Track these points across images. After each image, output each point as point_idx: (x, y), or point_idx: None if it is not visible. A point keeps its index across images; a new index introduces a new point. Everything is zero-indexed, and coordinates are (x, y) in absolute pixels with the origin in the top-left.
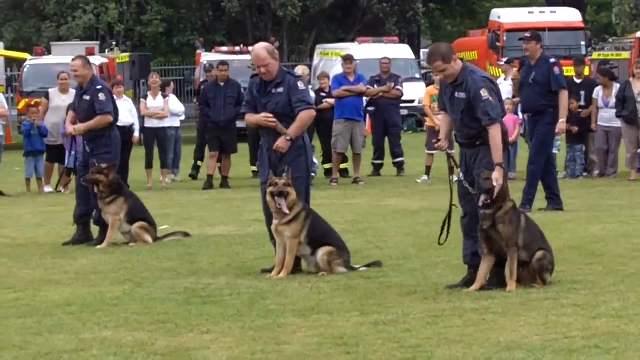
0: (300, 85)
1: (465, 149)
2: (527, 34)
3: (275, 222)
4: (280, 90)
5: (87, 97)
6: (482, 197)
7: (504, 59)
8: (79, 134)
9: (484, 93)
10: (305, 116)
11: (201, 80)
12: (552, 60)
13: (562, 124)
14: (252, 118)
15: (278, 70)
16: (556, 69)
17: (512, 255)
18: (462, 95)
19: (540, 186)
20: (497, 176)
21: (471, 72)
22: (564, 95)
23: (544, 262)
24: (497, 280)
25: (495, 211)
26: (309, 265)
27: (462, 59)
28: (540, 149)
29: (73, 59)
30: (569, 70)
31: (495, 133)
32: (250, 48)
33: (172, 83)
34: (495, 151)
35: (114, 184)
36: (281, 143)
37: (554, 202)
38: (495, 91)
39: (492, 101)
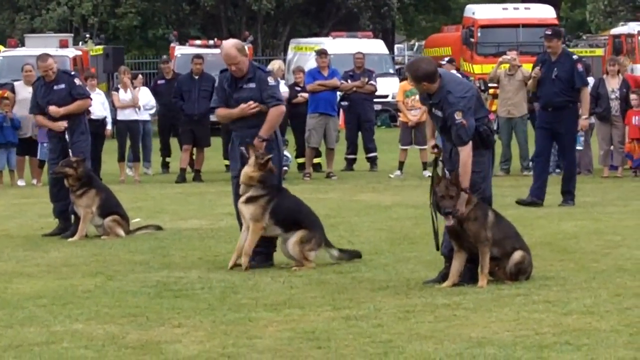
0: (270, 80)
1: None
2: (549, 31)
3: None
4: (252, 85)
5: (61, 86)
6: (447, 221)
7: (446, 59)
8: (57, 114)
9: (458, 116)
10: (275, 113)
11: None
12: (575, 56)
13: (584, 120)
14: (225, 112)
15: (248, 66)
16: (579, 66)
17: (483, 250)
18: (439, 113)
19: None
20: (461, 202)
21: (447, 92)
22: (586, 92)
23: (522, 266)
24: (469, 276)
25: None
26: (283, 250)
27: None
28: (570, 144)
29: (40, 62)
30: None
31: (465, 156)
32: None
33: (140, 75)
34: (464, 175)
35: (84, 177)
36: (256, 143)
37: (538, 194)
38: (473, 96)
39: (465, 124)
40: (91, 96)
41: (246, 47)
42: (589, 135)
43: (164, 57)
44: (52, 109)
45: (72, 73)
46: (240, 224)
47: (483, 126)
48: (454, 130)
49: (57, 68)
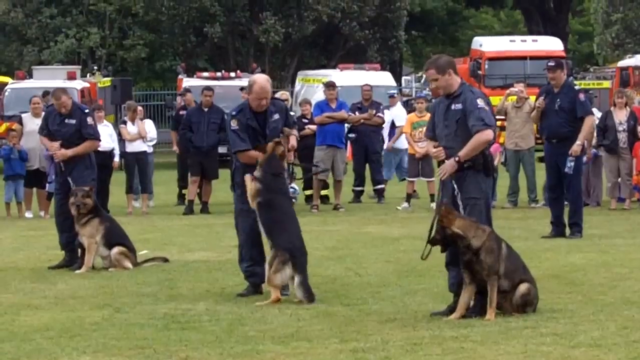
0: (291, 112)
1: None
2: (551, 63)
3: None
4: (276, 116)
5: (72, 121)
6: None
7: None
8: (65, 157)
9: (480, 102)
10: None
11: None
12: (577, 87)
13: (577, 146)
14: (256, 155)
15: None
16: (582, 96)
17: (492, 283)
18: (459, 106)
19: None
20: (446, 167)
21: (470, 86)
22: (589, 121)
23: (529, 298)
24: (478, 308)
25: (468, 246)
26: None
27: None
28: (576, 175)
29: (55, 99)
30: None
31: (484, 134)
32: (231, 74)
33: (138, 107)
34: (468, 148)
35: (92, 207)
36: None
37: (558, 229)
38: (490, 107)
39: (487, 110)
40: (100, 137)
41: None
42: (599, 168)
43: (185, 88)
44: (59, 153)
45: (86, 110)
46: (250, 253)
47: (487, 151)
48: (476, 114)
49: (73, 102)
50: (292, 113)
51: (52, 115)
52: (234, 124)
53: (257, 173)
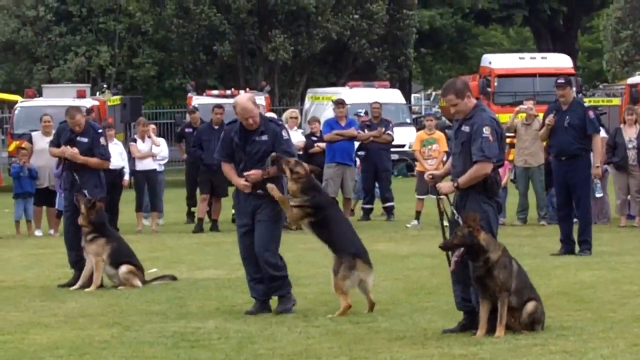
0: (285, 134)
1: (458, 190)
2: (561, 80)
3: None
4: (265, 138)
5: (84, 140)
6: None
7: (362, 112)
8: (75, 159)
9: (486, 131)
10: None
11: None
12: (586, 104)
13: (597, 169)
14: (229, 172)
15: (260, 119)
16: (591, 113)
17: (502, 300)
18: (467, 129)
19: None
20: (443, 187)
21: (482, 109)
22: (598, 139)
23: (536, 316)
24: (489, 326)
25: (486, 260)
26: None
27: (477, 98)
28: (585, 192)
29: (69, 117)
30: None
31: (481, 167)
32: (241, 92)
33: (151, 125)
34: (466, 177)
35: (97, 223)
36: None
37: (568, 246)
38: (499, 134)
39: (491, 140)
40: (111, 158)
41: (257, 100)
42: (605, 183)
43: (193, 106)
44: (73, 152)
45: (100, 130)
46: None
47: (491, 173)
48: (478, 143)
49: (86, 120)
50: (286, 137)
51: (64, 131)
52: (222, 134)
53: (292, 202)
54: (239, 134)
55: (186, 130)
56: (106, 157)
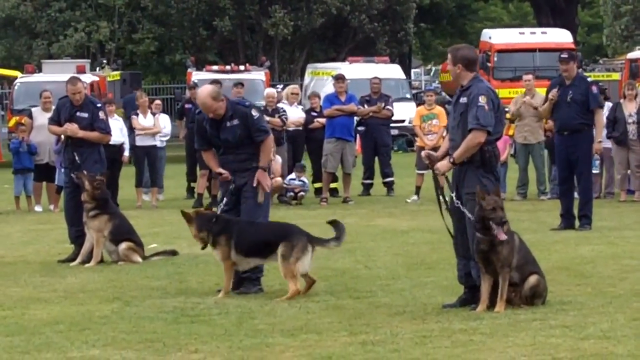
0: (254, 113)
1: (455, 165)
2: (564, 54)
3: None
4: (235, 122)
5: (84, 115)
6: (498, 230)
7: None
8: (75, 135)
9: (482, 100)
10: (269, 144)
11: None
12: (590, 79)
13: (599, 144)
14: (210, 161)
15: (226, 105)
16: (594, 88)
17: (504, 276)
18: (465, 99)
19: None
20: (441, 167)
21: (479, 80)
22: (600, 115)
23: (538, 289)
24: (489, 301)
25: (489, 234)
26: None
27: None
28: (587, 167)
29: (70, 85)
30: None
31: (475, 136)
32: (241, 67)
33: (158, 101)
34: (461, 150)
35: (100, 199)
36: (262, 178)
37: (568, 221)
38: (495, 104)
39: (486, 109)
40: (111, 132)
41: (221, 92)
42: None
43: (193, 82)
44: (73, 128)
45: (99, 105)
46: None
47: (489, 147)
48: (474, 111)
49: (85, 95)
50: (256, 115)
51: (64, 107)
52: (195, 124)
53: None
54: (209, 122)
55: (186, 106)
56: (107, 131)
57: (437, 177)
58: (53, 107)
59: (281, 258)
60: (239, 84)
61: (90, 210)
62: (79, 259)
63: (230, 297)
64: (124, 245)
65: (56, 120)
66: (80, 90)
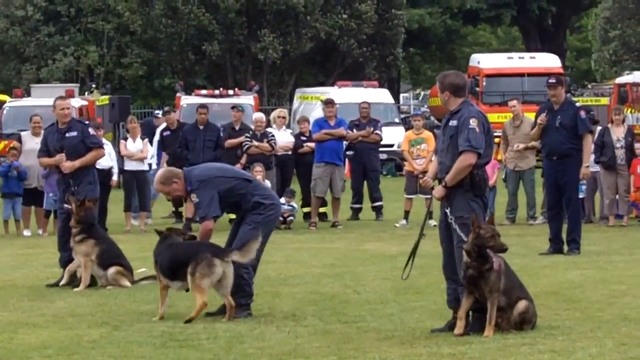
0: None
1: (446, 189)
2: (552, 79)
3: None
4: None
5: (73, 134)
6: (495, 259)
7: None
8: (72, 169)
9: (473, 122)
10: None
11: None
12: (578, 104)
13: (586, 169)
14: None
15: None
16: (582, 113)
17: (492, 300)
18: (455, 122)
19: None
20: (437, 193)
21: (469, 104)
22: (588, 139)
23: (527, 315)
24: (477, 326)
25: (482, 263)
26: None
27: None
28: (575, 192)
29: (60, 100)
30: None
31: (466, 158)
32: (229, 91)
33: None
34: (452, 173)
35: (86, 223)
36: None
37: (557, 245)
38: (485, 127)
39: (477, 132)
40: (103, 145)
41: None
42: (597, 183)
43: (166, 108)
44: (67, 165)
45: (86, 122)
46: None
47: (478, 170)
48: (465, 133)
49: (72, 116)
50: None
51: (51, 133)
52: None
53: None
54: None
55: (164, 134)
56: (100, 144)
57: (428, 202)
58: (42, 132)
59: (189, 275)
60: (236, 107)
61: (77, 235)
62: (64, 280)
63: (219, 321)
64: (112, 270)
65: (45, 151)
66: (69, 105)
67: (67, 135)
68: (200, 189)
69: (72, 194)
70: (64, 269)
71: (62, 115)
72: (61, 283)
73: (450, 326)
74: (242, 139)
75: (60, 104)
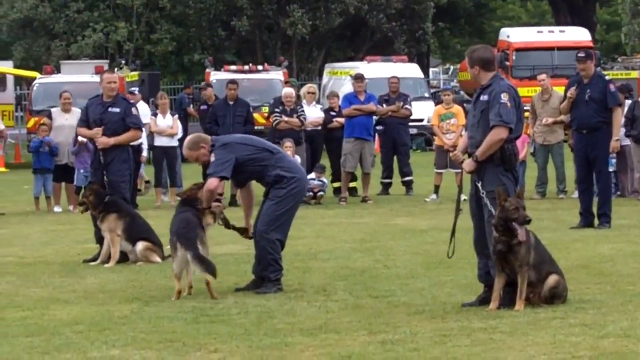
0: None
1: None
2: (581, 53)
3: None
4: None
5: (116, 110)
6: (520, 231)
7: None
8: (107, 145)
9: (504, 97)
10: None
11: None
12: (607, 77)
13: (616, 142)
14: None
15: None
16: (612, 86)
17: (522, 275)
18: (486, 97)
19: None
20: (466, 166)
21: (500, 78)
22: (618, 113)
23: (557, 290)
24: (507, 300)
25: (510, 236)
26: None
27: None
28: (605, 165)
29: (108, 73)
30: None
31: (497, 133)
32: (259, 67)
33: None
34: (484, 147)
35: (100, 203)
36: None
37: (587, 219)
38: (516, 102)
39: (509, 106)
40: (143, 127)
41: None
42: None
43: (204, 83)
44: (102, 140)
45: (132, 101)
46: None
47: (509, 145)
48: (496, 108)
49: (118, 92)
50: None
51: (93, 105)
52: None
53: None
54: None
55: (202, 107)
56: (139, 126)
57: (459, 176)
58: (73, 108)
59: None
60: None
61: (98, 215)
62: (98, 260)
63: (249, 296)
64: (141, 246)
65: (84, 121)
66: (117, 79)
67: (109, 110)
68: (220, 150)
69: (106, 169)
70: (100, 244)
71: (109, 89)
72: (94, 263)
73: (481, 300)
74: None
75: (108, 77)
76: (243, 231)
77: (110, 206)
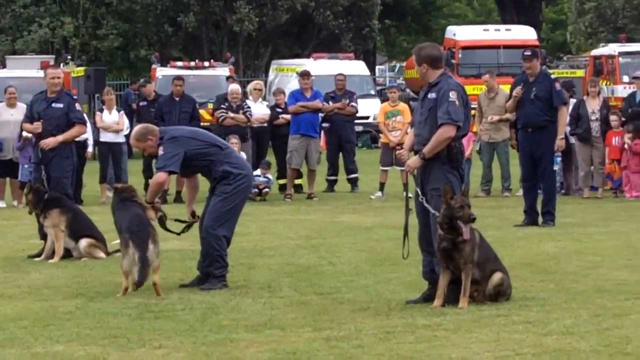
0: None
1: (424, 161)
2: (527, 52)
3: None
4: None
5: (59, 105)
6: (465, 229)
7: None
8: (56, 144)
9: (453, 95)
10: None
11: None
12: (553, 76)
13: (560, 141)
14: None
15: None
16: (557, 85)
17: (467, 272)
18: (434, 95)
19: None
20: (412, 163)
21: (448, 76)
22: (563, 111)
23: (502, 288)
24: (451, 297)
25: (455, 234)
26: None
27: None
28: (551, 164)
29: (51, 69)
30: None
31: (445, 131)
32: (205, 63)
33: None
34: (431, 145)
35: (40, 201)
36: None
37: (532, 217)
38: (464, 100)
39: (457, 105)
40: (86, 122)
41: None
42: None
43: (144, 79)
44: (49, 141)
45: (75, 97)
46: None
47: (455, 143)
48: (444, 106)
49: (61, 87)
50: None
51: (38, 100)
52: None
53: None
54: None
55: (141, 104)
56: (83, 121)
57: (405, 174)
58: (18, 103)
59: None
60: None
61: (40, 213)
62: (43, 256)
63: (194, 292)
64: (84, 243)
65: (30, 117)
66: (60, 75)
67: (53, 105)
68: (169, 143)
69: (48, 165)
70: (44, 240)
71: (52, 84)
72: (38, 259)
73: (426, 297)
74: None
75: (52, 72)
76: (186, 223)
77: (52, 202)
